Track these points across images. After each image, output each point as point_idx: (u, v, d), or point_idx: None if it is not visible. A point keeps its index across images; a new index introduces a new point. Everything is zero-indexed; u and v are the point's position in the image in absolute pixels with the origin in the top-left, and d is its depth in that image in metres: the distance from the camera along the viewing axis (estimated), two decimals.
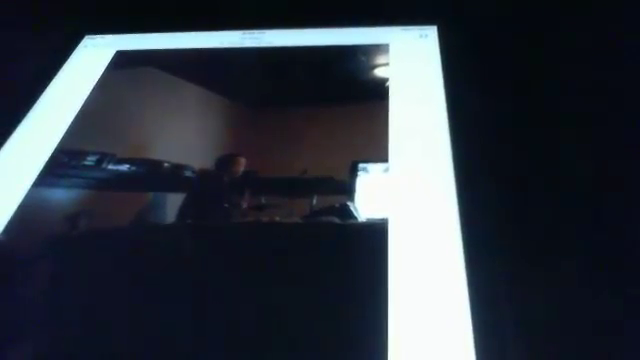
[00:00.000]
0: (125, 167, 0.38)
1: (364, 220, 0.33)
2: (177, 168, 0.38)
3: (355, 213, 0.33)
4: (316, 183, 0.35)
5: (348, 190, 0.34)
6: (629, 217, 0.32)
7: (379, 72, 0.42)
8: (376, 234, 0.31)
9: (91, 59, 0.46)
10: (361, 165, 0.35)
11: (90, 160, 0.39)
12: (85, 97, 0.43)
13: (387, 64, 0.42)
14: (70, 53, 0.47)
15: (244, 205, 0.35)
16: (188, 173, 0.38)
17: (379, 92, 0.39)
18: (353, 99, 0.41)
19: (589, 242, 0.31)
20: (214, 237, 0.34)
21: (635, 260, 0.30)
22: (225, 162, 0.38)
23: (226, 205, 0.36)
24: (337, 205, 0.34)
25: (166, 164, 0.38)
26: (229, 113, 0.43)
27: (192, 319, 0.29)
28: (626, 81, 0.38)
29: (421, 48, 0.42)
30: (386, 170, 0.34)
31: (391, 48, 0.43)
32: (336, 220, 0.33)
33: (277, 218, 0.33)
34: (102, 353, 0.29)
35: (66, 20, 0.50)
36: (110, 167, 0.38)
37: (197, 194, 0.37)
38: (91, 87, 0.44)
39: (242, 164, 0.37)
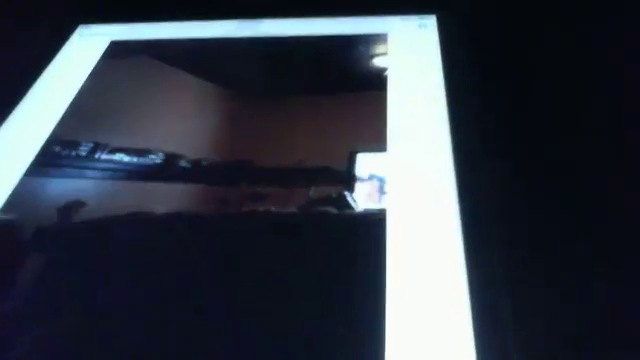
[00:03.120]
0: (119, 157, 0.38)
1: (362, 210, 0.32)
2: (172, 158, 0.37)
3: (352, 203, 0.32)
4: (313, 173, 0.35)
5: (346, 180, 0.34)
6: (631, 211, 0.31)
7: (377, 62, 0.41)
8: (374, 224, 0.30)
9: (85, 48, 0.46)
10: (359, 155, 0.35)
11: (83, 149, 0.38)
12: (79, 86, 0.42)
13: (385, 54, 0.41)
14: (64, 42, 0.46)
15: (240, 195, 0.35)
16: (183, 163, 0.37)
17: (377, 82, 0.39)
18: (351, 89, 0.40)
19: (591, 233, 0.31)
20: (209, 227, 0.33)
21: (636, 253, 0.30)
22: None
23: (222, 195, 0.36)
24: (334, 195, 0.33)
25: (161, 154, 0.38)
26: (225, 103, 0.42)
27: (187, 309, 0.29)
28: (629, 73, 0.38)
29: (420, 38, 0.42)
30: (384, 160, 0.34)
31: (390, 38, 0.42)
32: (333, 210, 0.32)
33: (273, 208, 0.33)
34: (95, 344, 0.28)
35: (60, 9, 0.49)
36: (104, 157, 0.38)
37: (192, 183, 0.36)
38: (85, 76, 0.43)
39: None
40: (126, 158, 0.38)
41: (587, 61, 0.40)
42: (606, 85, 0.38)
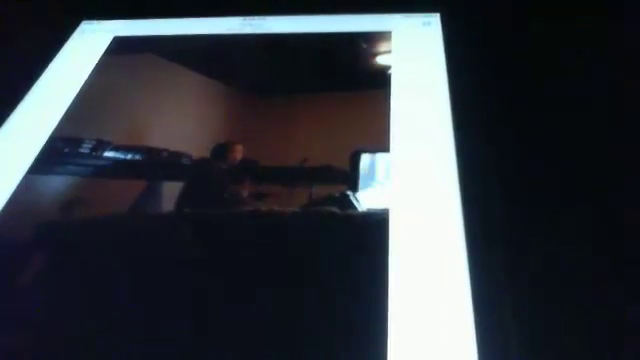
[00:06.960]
0: (122, 154, 0.38)
1: (364, 210, 0.32)
2: (175, 156, 0.37)
3: (355, 203, 0.32)
4: (316, 172, 0.35)
5: (349, 180, 0.34)
6: (632, 207, 0.31)
7: (381, 60, 0.41)
8: (377, 224, 0.30)
9: (88, 45, 0.45)
10: (362, 154, 0.35)
11: (86, 147, 0.38)
12: (82, 83, 0.42)
13: (389, 52, 0.41)
14: (67, 38, 0.46)
15: (243, 194, 0.35)
16: (186, 161, 0.37)
17: (381, 80, 0.39)
18: (354, 87, 0.40)
19: (594, 233, 0.30)
20: (212, 226, 0.33)
21: (638, 254, 0.30)
22: (222, 150, 0.37)
23: (225, 194, 0.36)
24: (337, 195, 0.33)
25: (164, 152, 0.38)
26: (228, 100, 0.42)
27: (189, 307, 0.29)
28: (629, 71, 0.38)
29: (424, 36, 0.42)
30: (387, 159, 0.34)
31: (393, 35, 0.42)
32: (336, 209, 0.32)
33: (275, 207, 0.33)
34: (97, 343, 0.28)
35: (63, 5, 0.49)
36: (107, 154, 0.38)
37: (195, 182, 0.36)
38: (88, 73, 0.43)
39: (239, 151, 0.37)
40: (129, 155, 0.38)
41: (591, 58, 0.39)
42: (609, 82, 0.38)
